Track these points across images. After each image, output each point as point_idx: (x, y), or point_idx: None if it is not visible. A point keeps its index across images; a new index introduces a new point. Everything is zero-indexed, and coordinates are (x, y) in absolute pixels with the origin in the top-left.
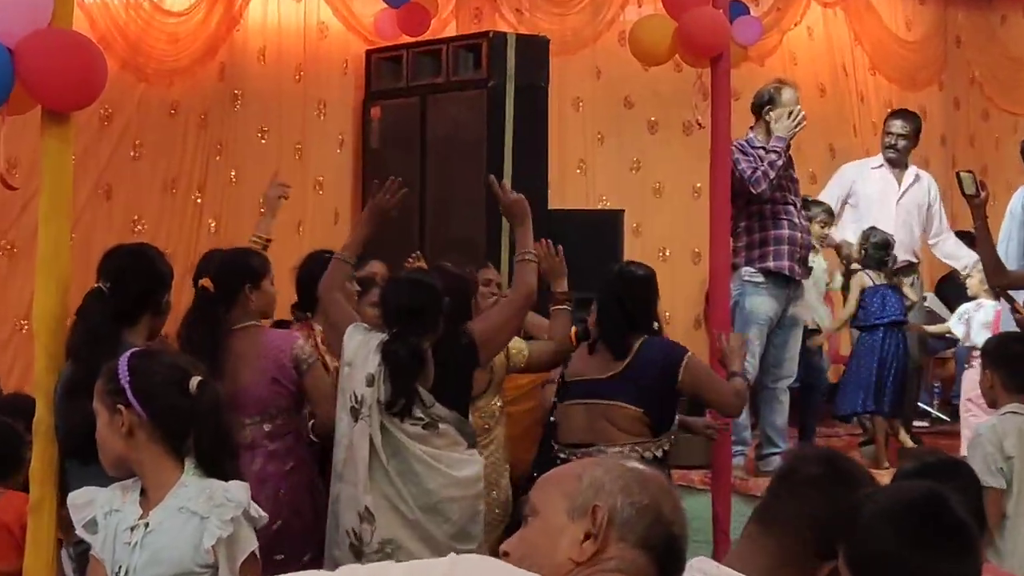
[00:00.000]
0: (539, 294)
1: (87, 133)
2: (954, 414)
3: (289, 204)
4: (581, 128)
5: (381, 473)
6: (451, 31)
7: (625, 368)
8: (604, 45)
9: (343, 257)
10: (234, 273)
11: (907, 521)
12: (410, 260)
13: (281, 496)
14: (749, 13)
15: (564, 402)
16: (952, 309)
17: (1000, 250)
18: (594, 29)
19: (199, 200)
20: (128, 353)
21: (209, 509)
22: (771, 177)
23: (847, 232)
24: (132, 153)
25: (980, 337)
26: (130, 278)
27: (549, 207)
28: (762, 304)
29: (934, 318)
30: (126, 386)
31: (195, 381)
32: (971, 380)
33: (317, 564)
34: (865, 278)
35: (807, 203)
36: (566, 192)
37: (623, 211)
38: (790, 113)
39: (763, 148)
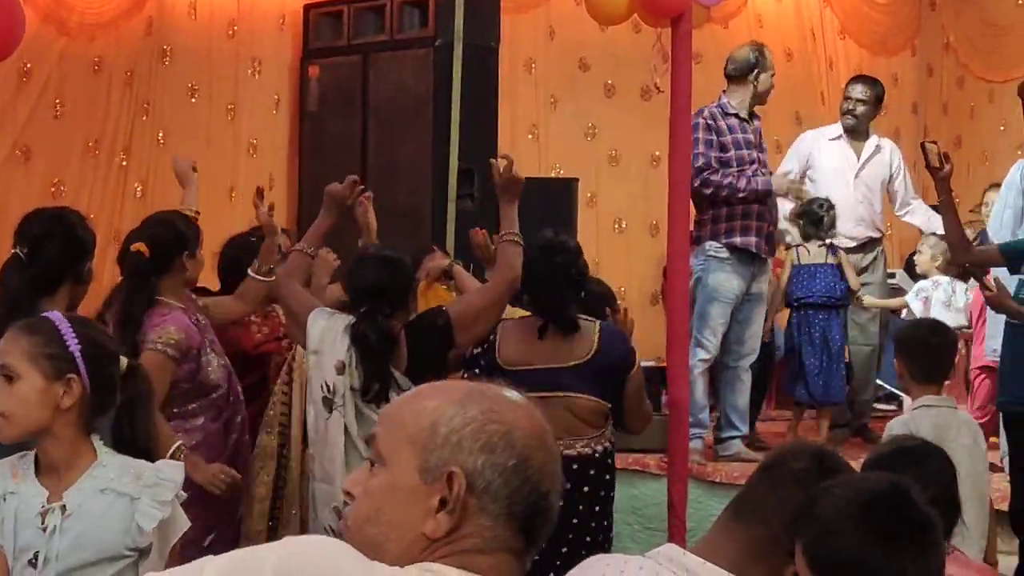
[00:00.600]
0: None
1: (4, 90)
2: None
3: (220, 168)
4: (533, 91)
5: (359, 464)
6: None
7: (592, 357)
8: (558, 3)
9: (303, 248)
10: (172, 240)
11: (870, 518)
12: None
13: None
14: None
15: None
16: None
17: (995, 217)
18: None
19: (124, 163)
20: (62, 316)
21: (139, 489)
22: (716, 191)
23: None
24: (53, 112)
25: (941, 316)
26: (49, 244)
27: None
28: (726, 281)
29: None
30: (77, 354)
31: (125, 360)
32: None
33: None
34: (794, 255)
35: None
36: (517, 159)
37: (577, 180)
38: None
39: (740, 131)
